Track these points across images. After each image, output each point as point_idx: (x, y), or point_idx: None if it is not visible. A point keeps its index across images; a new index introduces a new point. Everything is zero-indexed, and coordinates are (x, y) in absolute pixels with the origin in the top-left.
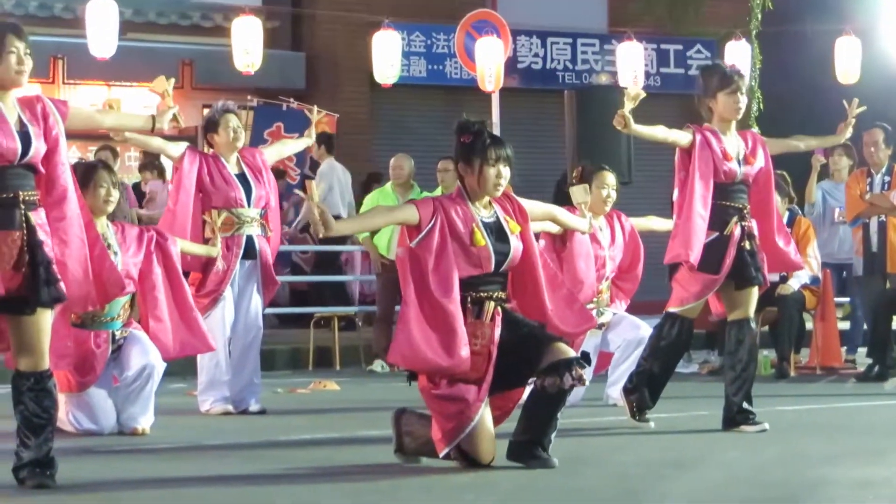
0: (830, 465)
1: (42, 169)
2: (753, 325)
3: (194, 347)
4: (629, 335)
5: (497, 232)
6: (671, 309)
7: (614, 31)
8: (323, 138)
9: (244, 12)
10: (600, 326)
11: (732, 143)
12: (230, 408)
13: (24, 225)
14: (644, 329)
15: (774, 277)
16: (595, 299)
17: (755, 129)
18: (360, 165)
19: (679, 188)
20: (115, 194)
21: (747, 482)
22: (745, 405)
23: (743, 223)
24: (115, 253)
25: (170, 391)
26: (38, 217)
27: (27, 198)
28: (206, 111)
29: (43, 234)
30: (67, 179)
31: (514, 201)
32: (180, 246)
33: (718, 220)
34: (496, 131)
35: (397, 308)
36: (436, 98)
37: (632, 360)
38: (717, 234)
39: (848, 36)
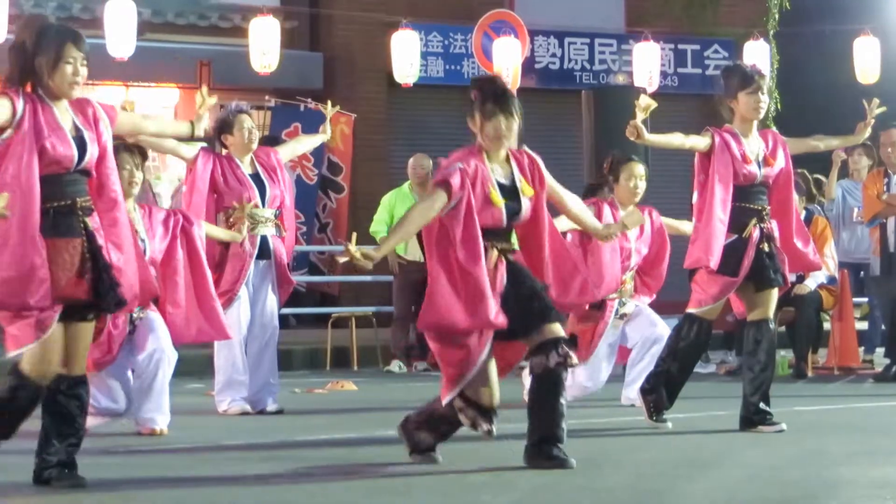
0: (848, 465)
1: (94, 174)
2: (772, 325)
3: (210, 335)
4: (646, 332)
5: (511, 192)
6: (690, 310)
7: (632, 31)
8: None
9: (262, 13)
10: (621, 317)
11: (753, 144)
12: (248, 408)
13: (84, 231)
14: (661, 327)
15: (791, 277)
16: (619, 290)
17: (773, 130)
18: (378, 165)
19: (699, 191)
20: (139, 176)
21: (765, 482)
22: (762, 405)
23: (762, 225)
24: (143, 240)
25: (187, 391)
26: (94, 222)
27: (83, 204)
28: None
29: (101, 239)
30: (116, 183)
31: (536, 165)
32: (205, 230)
33: (737, 222)
34: None
35: (414, 308)
36: (453, 98)
37: (648, 359)
38: (735, 236)
39: (866, 36)
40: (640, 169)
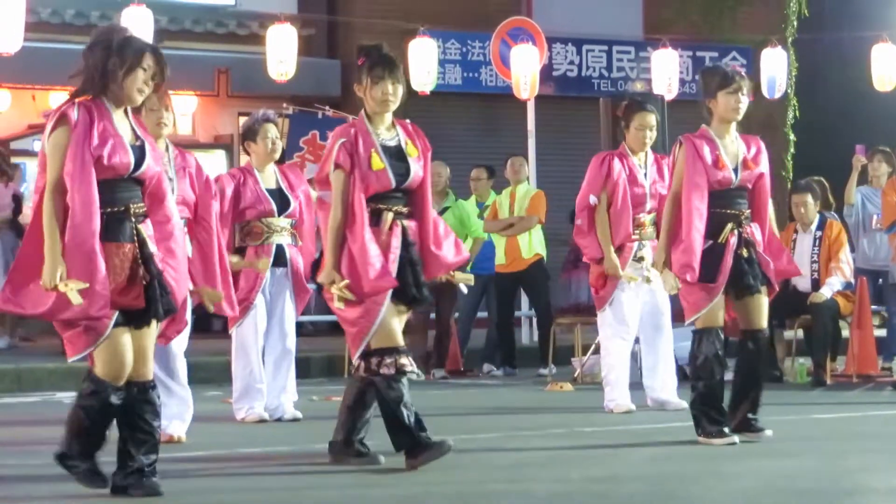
0: (867, 473)
1: (150, 186)
2: (766, 334)
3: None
4: (647, 331)
5: (397, 153)
6: (693, 326)
7: (649, 38)
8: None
9: (279, 20)
10: (639, 259)
11: (731, 146)
12: (265, 415)
13: (136, 238)
14: (665, 317)
15: (807, 286)
16: (637, 231)
17: (791, 137)
18: None
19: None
20: (169, 117)
21: (783, 490)
22: (749, 414)
23: (739, 230)
24: (171, 178)
25: (205, 398)
26: (147, 229)
27: (137, 210)
28: (243, 119)
29: (153, 247)
30: (172, 200)
31: (420, 132)
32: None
33: (713, 227)
34: (531, 139)
35: (432, 316)
36: (471, 106)
37: (657, 357)
38: (711, 242)
39: (884, 42)
40: (651, 119)
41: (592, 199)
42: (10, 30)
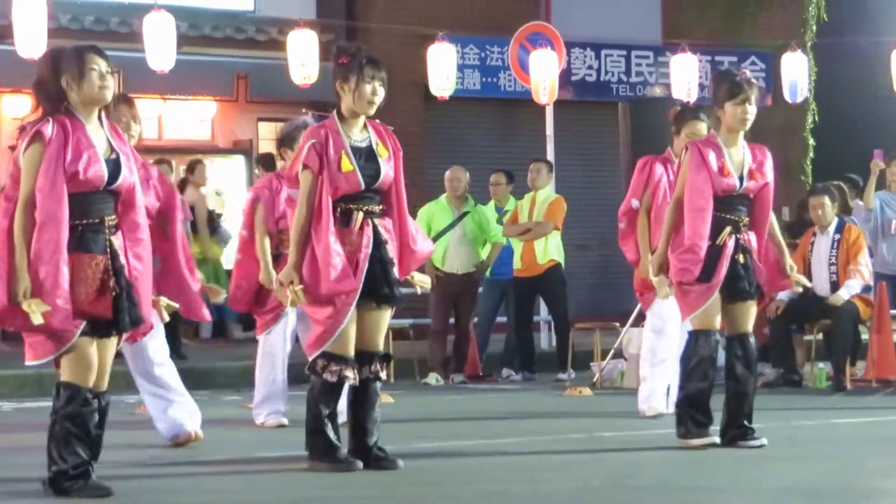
0: (886, 478)
1: (124, 195)
2: (752, 340)
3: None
4: (644, 343)
5: (367, 154)
6: (688, 328)
7: (668, 43)
8: (263, 159)
9: (299, 26)
10: None
11: (737, 155)
12: (284, 421)
13: (108, 249)
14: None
15: (826, 290)
16: None
17: (810, 141)
18: (414, 177)
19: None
20: (136, 128)
21: (802, 494)
22: (744, 422)
23: (738, 235)
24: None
25: (223, 403)
26: (119, 241)
27: (110, 222)
28: (262, 125)
29: (123, 258)
30: (143, 208)
31: (391, 134)
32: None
33: (712, 230)
34: (550, 144)
35: (451, 321)
36: (490, 111)
37: (657, 371)
38: (709, 243)
39: None
40: (703, 128)
41: (634, 203)
42: (33, 35)
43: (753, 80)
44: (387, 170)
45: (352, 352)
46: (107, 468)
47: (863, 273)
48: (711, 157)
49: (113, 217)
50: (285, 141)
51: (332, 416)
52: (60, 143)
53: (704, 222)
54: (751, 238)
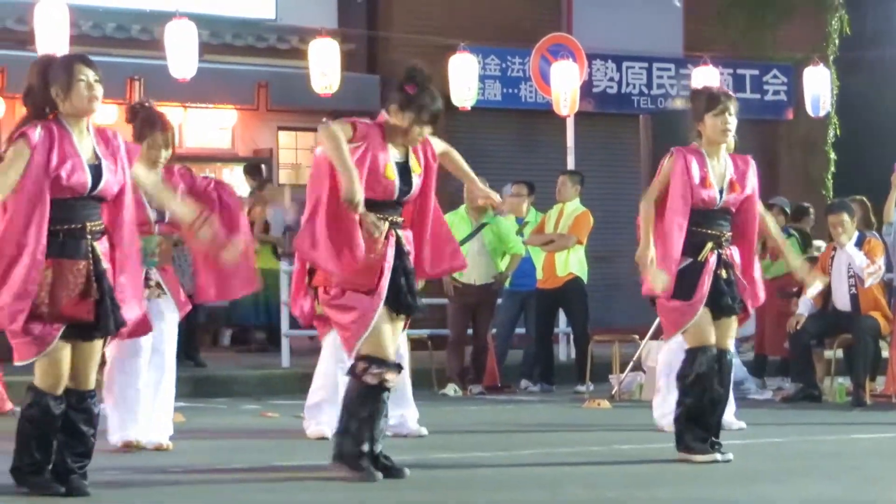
0: None
1: (110, 201)
2: (731, 356)
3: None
4: (661, 356)
5: (403, 171)
6: (685, 345)
7: (690, 55)
8: (250, 168)
9: (320, 34)
10: None
11: (718, 167)
12: (327, 433)
13: (90, 255)
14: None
15: (846, 304)
16: None
17: (832, 156)
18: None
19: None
20: (166, 154)
21: None
22: (712, 437)
23: (719, 250)
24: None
25: (242, 412)
26: (102, 246)
27: (93, 228)
28: (282, 133)
29: (106, 263)
30: (131, 214)
31: (429, 144)
32: None
33: (693, 245)
34: (571, 156)
35: (469, 332)
36: (510, 122)
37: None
38: (690, 259)
39: None
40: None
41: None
42: (54, 42)
43: (731, 93)
44: (417, 183)
45: (392, 354)
46: (119, 473)
47: (881, 266)
48: (694, 167)
49: (97, 223)
50: None
51: (368, 421)
52: (46, 148)
53: (680, 240)
54: (733, 253)
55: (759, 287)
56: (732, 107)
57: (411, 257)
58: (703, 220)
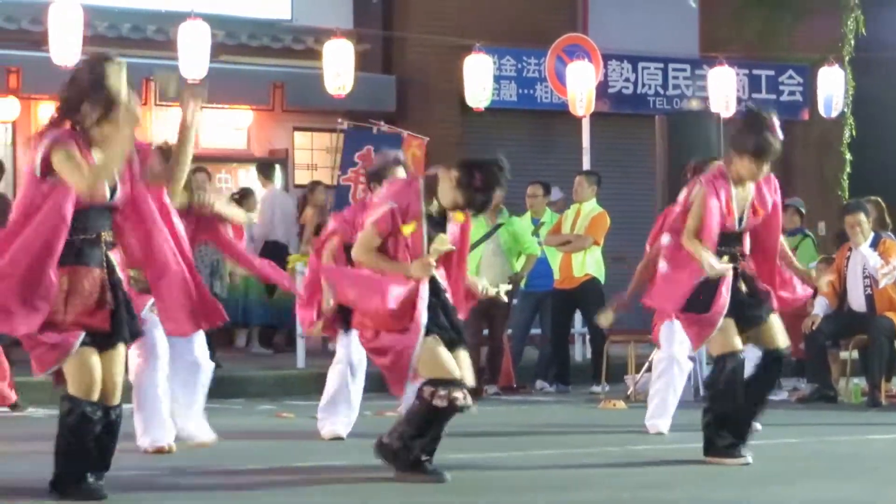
0: None
1: (121, 209)
2: (783, 353)
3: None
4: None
5: (438, 222)
6: (712, 353)
7: (706, 56)
8: (263, 167)
9: (336, 35)
10: None
11: (741, 193)
12: (342, 434)
13: (105, 264)
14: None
15: (861, 305)
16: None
17: (847, 156)
18: None
19: (672, 235)
20: (205, 195)
21: None
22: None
23: (735, 265)
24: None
25: (258, 412)
26: (116, 256)
27: (108, 238)
28: (297, 133)
29: (121, 273)
30: (149, 202)
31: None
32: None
33: None
34: (586, 156)
35: (485, 333)
36: (526, 122)
37: (659, 388)
38: (706, 276)
39: None
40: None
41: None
42: (68, 43)
43: (781, 137)
44: (453, 231)
45: (456, 372)
46: (134, 475)
47: (893, 264)
48: (722, 195)
49: (111, 233)
50: (376, 177)
51: (431, 443)
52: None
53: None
54: (749, 265)
55: (787, 299)
56: (775, 157)
57: (448, 295)
58: (720, 239)
